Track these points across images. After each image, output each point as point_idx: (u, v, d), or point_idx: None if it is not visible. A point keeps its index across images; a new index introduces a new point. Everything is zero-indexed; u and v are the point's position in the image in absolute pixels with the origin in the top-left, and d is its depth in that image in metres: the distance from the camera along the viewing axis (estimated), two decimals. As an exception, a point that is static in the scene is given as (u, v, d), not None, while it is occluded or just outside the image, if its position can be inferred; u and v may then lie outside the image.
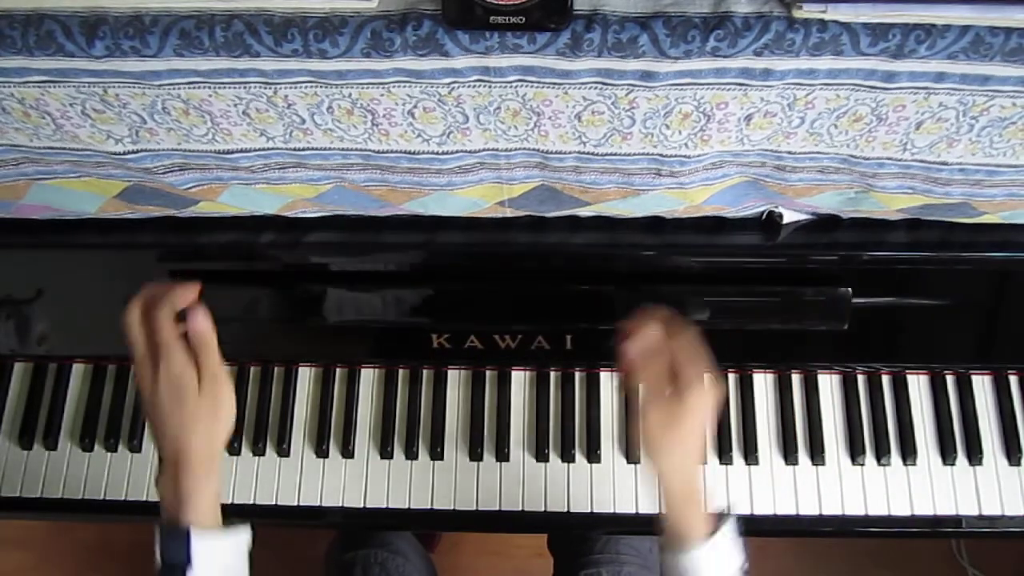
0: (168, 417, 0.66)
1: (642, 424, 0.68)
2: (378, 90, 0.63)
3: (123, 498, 0.91)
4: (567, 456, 0.91)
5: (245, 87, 0.63)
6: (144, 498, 0.91)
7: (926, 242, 0.86)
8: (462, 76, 0.61)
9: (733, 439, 0.91)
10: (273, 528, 0.90)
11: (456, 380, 0.94)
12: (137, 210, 0.85)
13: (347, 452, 0.91)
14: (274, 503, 0.90)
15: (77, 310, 0.92)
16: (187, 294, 0.71)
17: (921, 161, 0.71)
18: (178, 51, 0.59)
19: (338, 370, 0.95)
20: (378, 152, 0.72)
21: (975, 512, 0.89)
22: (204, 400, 0.68)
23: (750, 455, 0.90)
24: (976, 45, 0.57)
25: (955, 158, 0.71)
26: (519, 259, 0.88)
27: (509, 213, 0.84)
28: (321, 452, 0.92)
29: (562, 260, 0.88)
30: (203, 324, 0.70)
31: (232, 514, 0.86)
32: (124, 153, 0.72)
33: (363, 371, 0.95)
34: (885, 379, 0.93)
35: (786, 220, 0.87)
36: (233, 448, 0.92)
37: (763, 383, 0.94)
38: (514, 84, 0.62)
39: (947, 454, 0.90)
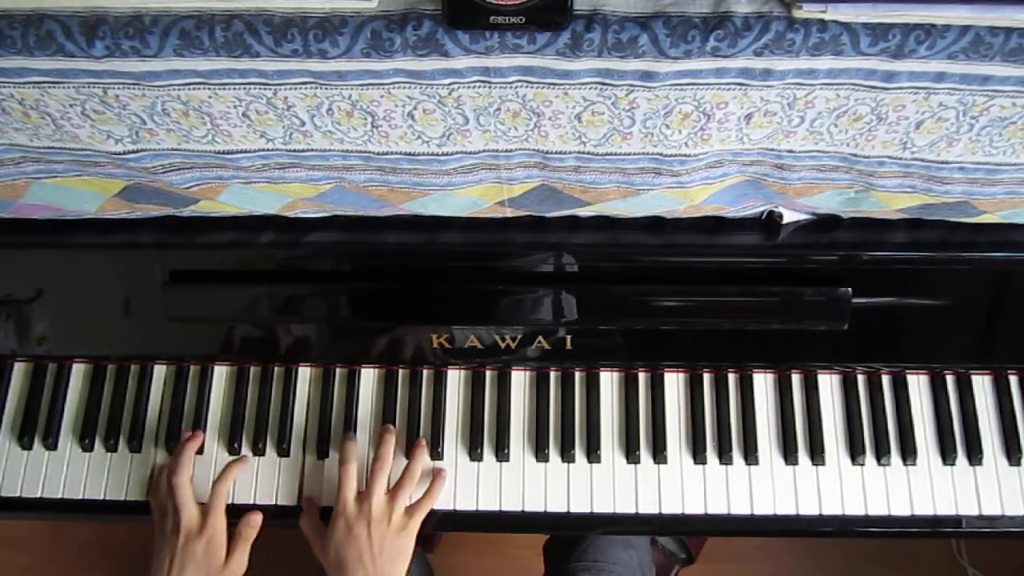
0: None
1: None
2: (378, 91, 0.63)
3: (123, 498, 0.91)
4: (567, 456, 0.91)
5: (245, 88, 0.63)
6: (144, 498, 0.91)
7: (926, 242, 0.86)
8: (462, 76, 0.61)
9: (733, 439, 0.91)
10: (273, 528, 0.90)
11: (456, 380, 0.94)
12: (137, 209, 0.85)
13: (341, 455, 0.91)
14: (274, 503, 0.90)
15: (77, 310, 0.92)
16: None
17: (921, 160, 0.71)
18: (178, 51, 0.59)
19: (338, 370, 0.95)
20: (378, 154, 0.72)
21: (975, 512, 0.89)
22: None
23: (750, 455, 0.90)
24: (976, 45, 0.57)
25: (955, 157, 0.71)
26: (519, 259, 0.88)
27: (509, 213, 0.84)
28: (321, 452, 0.92)
29: (562, 260, 0.88)
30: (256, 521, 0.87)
31: (232, 514, 0.87)
32: (124, 153, 0.72)
33: (363, 371, 0.95)
34: (885, 379, 0.93)
35: (786, 220, 0.87)
36: (233, 448, 0.92)
37: (763, 383, 0.94)
38: (514, 84, 0.62)
39: (947, 454, 0.90)
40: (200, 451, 0.92)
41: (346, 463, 0.86)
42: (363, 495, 0.84)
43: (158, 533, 0.85)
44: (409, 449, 0.91)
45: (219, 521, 0.84)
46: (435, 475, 0.89)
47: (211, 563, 0.82)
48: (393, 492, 0.86)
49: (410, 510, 0.86)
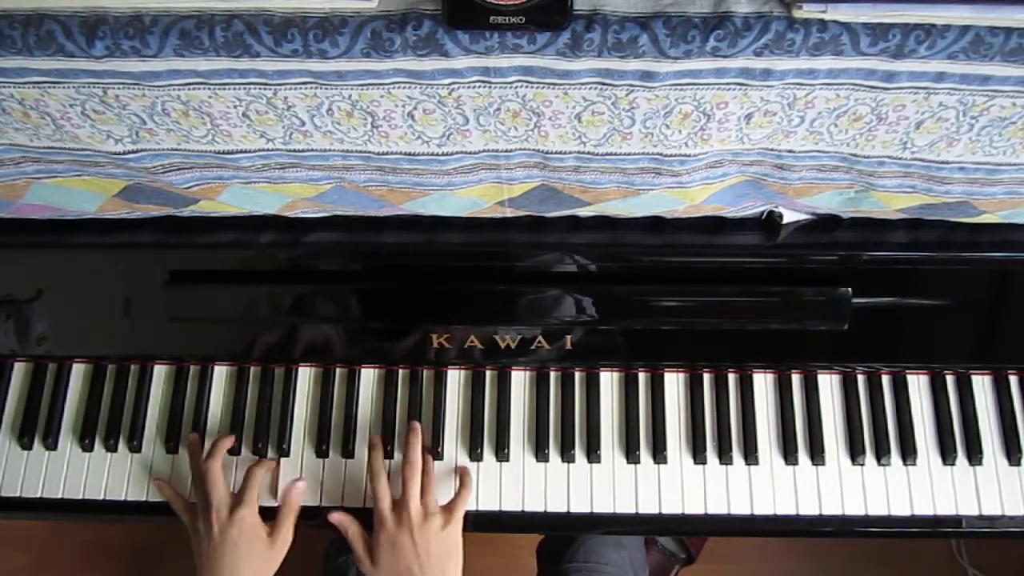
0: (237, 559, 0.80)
1: None
2: (378, 91, 0.63)
3: (123, 498, 0.91)
4: (567, 456, 0.91)
5: (245, 88, 0.63)
6: (144, 498, 0.91)
7: (926, 242, 0.86)
8: (462, 76, 0.61)
9: (733, 439, 0.91)
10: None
11: (456, 380, 0.94)
12: (137, 209, 0.85)
13: (347, 452, 0.91)
14: (275, 504, 0.90)
15: (77, 310, 0.92)
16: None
17: (921, 160, 0.71)
18: (178, 51, 0.59)
19: (338, 370, 0.95)
20: (378, 154, 0.72)
21: (975, 512, 0.89)
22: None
23: (750, 455, 0.90)
24: (976, 45, 0.57)
25: (955, 157, 0.71)
26: (519, 259, 0.88)
27: (509, 213, 0.84)
28: (321, 452, 0.92)
29: (562, 260, 0.88)
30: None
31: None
32: (124, 153, 0.72)
33: (363, 371, 0.95)
34: (885, 379, 0.93)
35: (786, 220, 0.87)
36: (233, 448, 0.92)
37: (763, 383, 0.94)
38: (514, 84, 0.62)
39: (947, 454, 0.90)
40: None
41: (375, 473, 0.85)
42: (399, 504, 0.82)
43: (192, 533, 0.84)
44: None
45: (252, 503, 0.82)
46: (461, 469, 0.89)
47: (255, 542, 0.80)
48: (423, 494, 0.84)
49: (449, 506, 0.85)
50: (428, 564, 0.79)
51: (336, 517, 0.85)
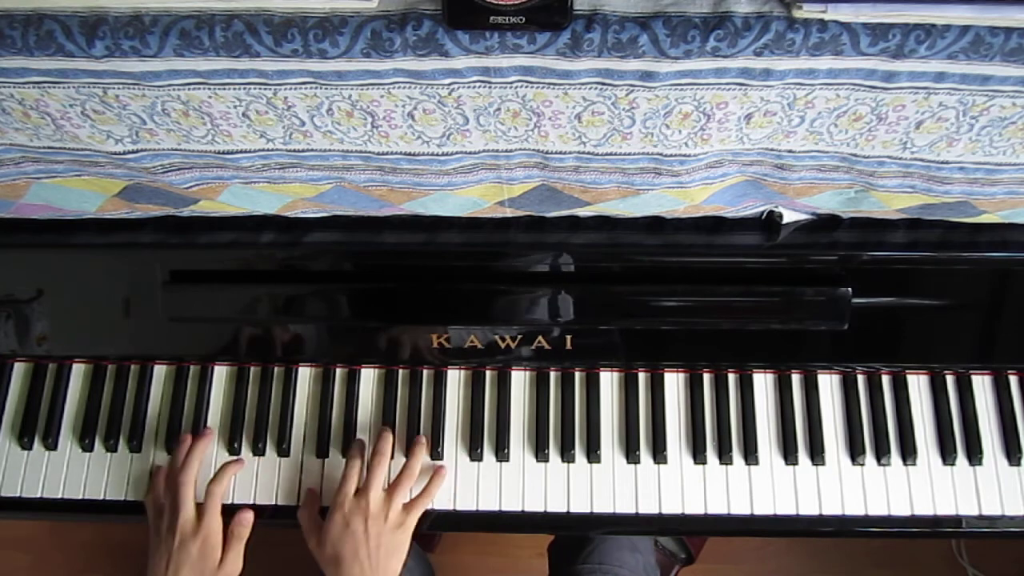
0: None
1: None
2: (378, 91, 0.63)
3: (123, 498, 0.91)
4: (567, 456, 0.91)
5: (245, 88, 0.63)
6: (144, 498, 0.91)
7: (926, 242, 0.86)
8: (462, 76, 0.61)
9: (733, 439, 0.91)
10: (273, 528, 0.90)
11: (456, 380, 0.94)
12: (137, 209, 0.85)
13: (347, 452, 0.91)
14: (274, 503, 0.90)
15: (77, 310, 0.92)
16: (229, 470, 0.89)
17: (921, 160, 0.71)
18: (178, 51, 0.59)
19: (338, 370, 0.95)
20: (378, 154, 0.72)
21: (975, 512, 0.89)
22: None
23: (750, 455, 0.90)
24: (976, 45, 0.57)
25: (955, 157, 0.71)
26: (519, 259, 0.88)
27: (509, 213, 0.84)
28: (321, 452, 0.92)
29: (562, 260, 0.88)
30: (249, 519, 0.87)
31: (232, 514, 0.87)
32: (124, 153, 0.72)
33: (363, 371, 0.95)
34: (885, 379, 0.93)
35: (786, 220, 0.87)
36: (233, 448, 0.92)
37: (763, 383, 0.94)
38: (514, 84, 0.62)
39: (947, 454, 0.90)
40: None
41: (351, 458, 0.87)
42: (361, 491, 0.85)
43: (153, 533, 0.85)
44: (409, 447, 0.91)
45: (215, 521, 0.84)
46: (434, 473, 0.89)
47: (206, 564, 0.82)
48: (391, 488, 0.86)
49: (408, 506, 0.86)
50: (375, 553, 0.80)
51: (308, 495, 0.89)
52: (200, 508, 0.84)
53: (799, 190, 0.79)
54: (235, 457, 0.92)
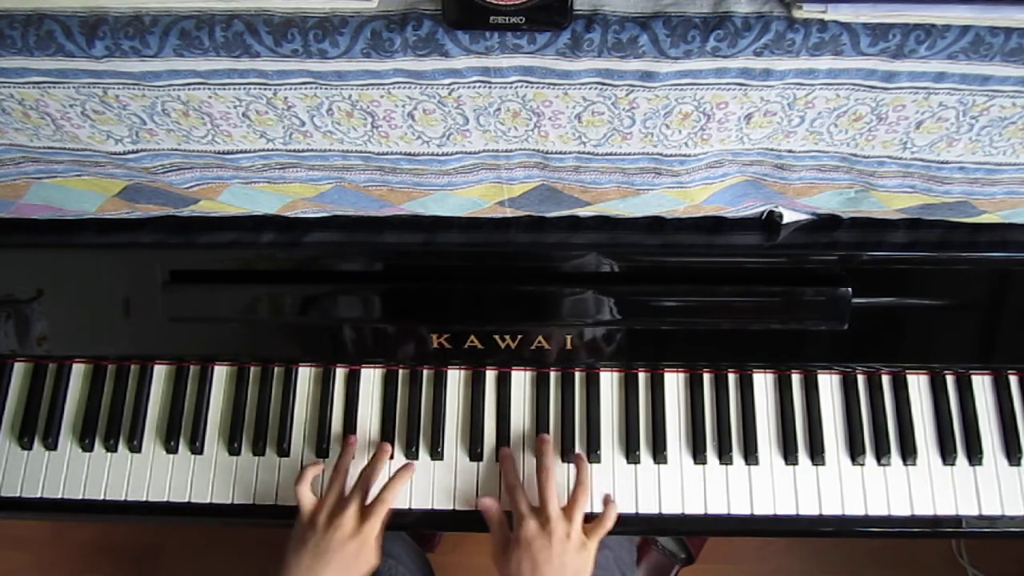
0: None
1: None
2: (378, 91, 0.63)
3: (123, 498, 0.91)
4: (567, 456, 0.91)
5: (245, 88, 0.63)
6: (144, 498, 0.91)
7: (926, 242, 0.86)
8: (462, 76, 0.61)
9: (733, 439, 0.91)
10: (273, 528, 0.90)
11: (456, 380, 0.94)
12: (137, 209, 0.85)
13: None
14: (274, 503, 0.90)
15: (77, 310, 0.92)
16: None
17: (921, 160, 0.71)
18: (178, 51, 0.59)
19: (338, 370, 0.95)
20: (378, 154, 0.72)
21: (975, 512, 0.89)
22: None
23: (750, 455, 0.90)
24: (976, 45, 0.57)
25: (955, 157, 0.71)
26: (519, 259, 0.88)
27: (509, 213, 0.84)
28: (321, 452, 0.92)
29: (562, 260, 0.88)
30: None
31: (232, 514, 0.87)
32: (124, 153, 0.72)
33: (363, 371, 0.95)
34: (885, 379, 0.93)
35: (786, 220, 0.87)
36: (233, 448, 0.92)
37: (763, 383, 0.94)
38: (514, 84, 0.62)
39: (947, 454, 0.90)
40: (200, 451, 0.92)
41: (512, 484, 0.86)
42: (539, 511, 0.83)
43: (307, 523, 0.83)
44: (409, 450, 0.91)
45: (378, 525, 0.83)
46: (606, 499, 0.88)
47: (359, 564, 0.81)
48: (570, 508, 0.84)
49: (588, 529, 0.84)
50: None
51: (485, 502, 0.87)
52: (366, 510, 0.84)
53: (799, 190, 0.79)
54: (408, 461, 0.91)
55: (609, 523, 0.86)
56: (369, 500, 0.85)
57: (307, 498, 0.85)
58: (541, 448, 0.88)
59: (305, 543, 0.81)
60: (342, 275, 0.90)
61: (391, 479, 0.88)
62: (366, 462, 0.89)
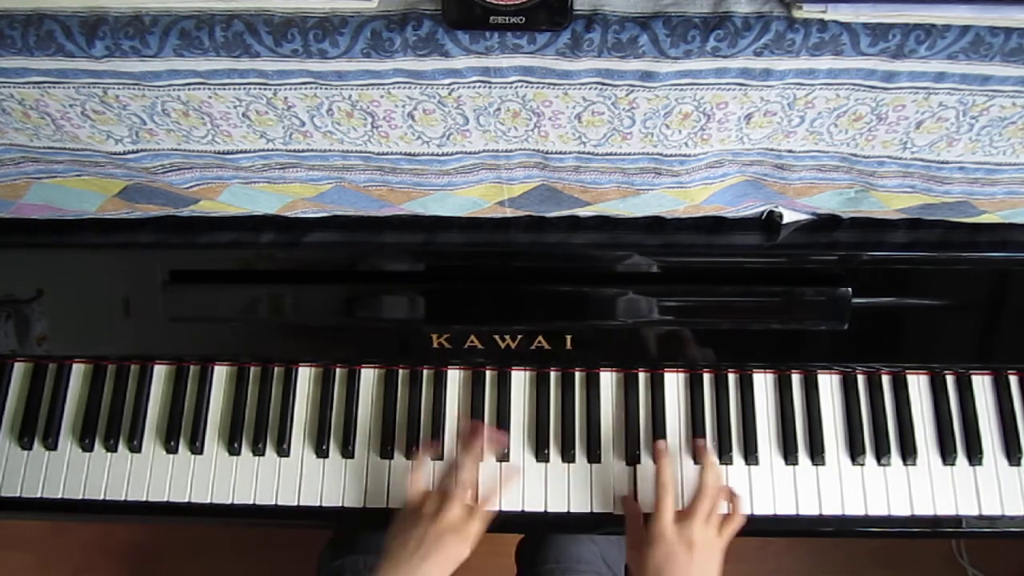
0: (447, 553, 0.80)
1: None
2: (378, 91, 0.63)
3: (123, 498, 0.91)
4: (567, 456, 0.91)
5: (245, 88, 0.63)
6: (144, 498, 0.91)
7: (926, 242, 0.86)
8: (462, 76, 0.61)
9: (733, 439, 0.91)
10: (273, 528, 0.90)
11: (456, 380, 0.94)
12: (137, 209, 0.85)
13: (347, 452, 0.91)
14: (274, 503, 0.90)
15: (77, 310, 0.92)
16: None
17: (921, 160, 0.71)
18: (178, 51, 0.59)
19: (338, 370, 0.95)
20: (378, 154, 0.72)
21: (975, 512, 0.89)
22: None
23: (750, 455, 0.90)
24: (976, 45, 0.57)
25: (955, 157, 0.71)
26: (519, 259, 0.88)
27: (509, 213, 0.84)
28: (321, 452, 0.92)
29: (562, 260, 0.88)
30: None
31: (232, 514, 0.87)
32: (124, 153, 0.72)
33: (363, 371, 0.95)
34: (885, 379, 0.93)
35: (786, 220, 0.87)
36: (233, 448, 0.92)
37: (763, 383, 0.94)
38: (514, 84, 0.62)
39: (947, 454, 0.90)
40: (200, 451, 0.92)
41: (665, 484, 0.85)
42: (682, 515, 0.83)
43: (411, 513, 0.83)
44: (409, 450, 0.91)
45: (483, 524, 0.84)
46: (732, 494, 0.88)
47: (457, 558, 0.81)
48: (703, 512, 0.83)
49: (720, 529, 0.84)
50: None
51: (629, 503, 0.88)
52: (472, 509, 0.84)
53: (799, 190, 0.79)
54: (515, 466, 0.91)
55: (740, 519, 0.86)
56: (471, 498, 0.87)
57: (417, 488, 0.85)
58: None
59: (412, 530, 0.81)
60: (342, 275, 0.90)
61: (502, 484, 0.89)
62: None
